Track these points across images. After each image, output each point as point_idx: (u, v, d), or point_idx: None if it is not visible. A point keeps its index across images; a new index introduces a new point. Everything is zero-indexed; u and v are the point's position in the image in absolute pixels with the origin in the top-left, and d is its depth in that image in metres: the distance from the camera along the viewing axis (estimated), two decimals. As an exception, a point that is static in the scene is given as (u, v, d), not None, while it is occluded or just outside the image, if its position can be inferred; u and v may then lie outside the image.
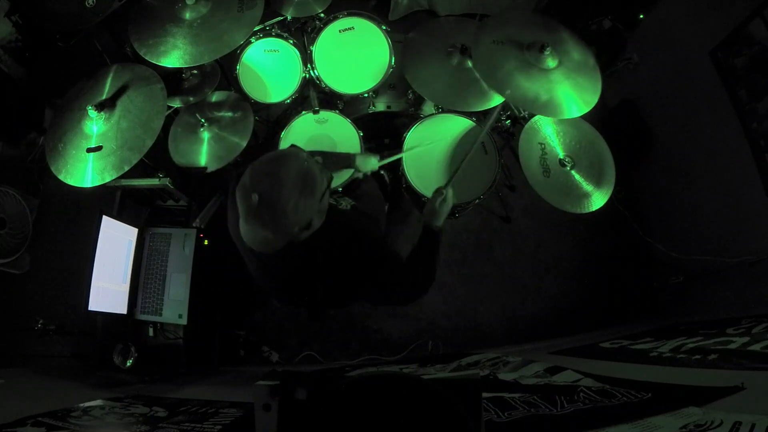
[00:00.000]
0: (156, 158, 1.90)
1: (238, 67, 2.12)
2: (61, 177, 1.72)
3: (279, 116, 2.46)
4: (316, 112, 2.07)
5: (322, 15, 2.12)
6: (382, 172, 2.12)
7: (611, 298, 2.66)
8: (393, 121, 2.34)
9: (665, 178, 2.63)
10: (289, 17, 2.10)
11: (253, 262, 1.21)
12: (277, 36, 2.15)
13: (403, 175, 1.99)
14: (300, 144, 1.52)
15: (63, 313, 2.39)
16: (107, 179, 1.68)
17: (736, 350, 1.56)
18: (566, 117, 1.74)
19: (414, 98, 2.22)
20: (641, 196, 2.79)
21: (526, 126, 1.96)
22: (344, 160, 1.67)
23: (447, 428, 0.61)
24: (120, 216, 2.04)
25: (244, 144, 2.00)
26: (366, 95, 2.13)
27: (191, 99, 1.99)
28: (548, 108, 1.69)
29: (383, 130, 2.29)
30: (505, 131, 2.33)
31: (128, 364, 1.90)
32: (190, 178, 2.12)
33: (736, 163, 2.15)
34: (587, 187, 1.90)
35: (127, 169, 1.68)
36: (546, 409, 1.32)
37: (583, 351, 2.11)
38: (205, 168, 2.00)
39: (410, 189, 1.99)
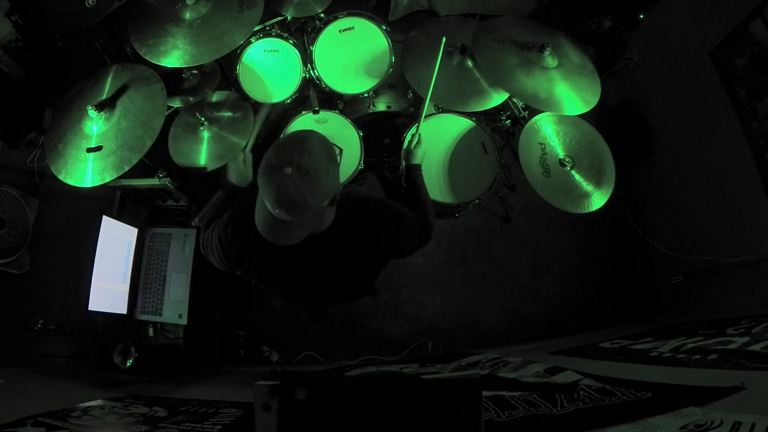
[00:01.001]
0: (156, 158, 1.90)
1: (238, 67, 2.12)
2: (61, 177, 1.72)
3: (279, 116, 2.46)
4: (316, 112, 2.07)
5: (322, 15, 2.12)
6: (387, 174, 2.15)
7: (611, 298, 2.66)
8: (393, 121, 2.34)
9: (665, 178, 2.63)
10: (289, 17, 2.09)
11: (257, 265, 1.21)
12: (277, 36, 2.15)
13: (404, 175, 1.99)
14: None
15: (63, 313, 2.39)
16: (107, 179, 1.67)
17: (736, 350, 1.56)
18: (565, 113, 1.74)
19: (414, 98, 2.21)
20: (641, 196, 2.79)
21: (526, 126, 1.96)
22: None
23: (447, 428, 0.61)
24: (120, 216, 2.04)
25: (244, 143, 2.00)
26: (366, 95, 2.13)
27: (191, 99, 1.99)
28: (547, 103, 1.70)
29: (383, 130, 2.29)
30: (505, 131, 2.32)
31: (128, 364, 1.90)
32: (190, 177, 2.11)
33: (736, 163, 2.15)
34: (587, 187, 1.90)
35: (127, 169, 1.67)
36: (546, 408, 1.32)
37: (583, 351, 2.11)
38: (204, 168, 2.00)
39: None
